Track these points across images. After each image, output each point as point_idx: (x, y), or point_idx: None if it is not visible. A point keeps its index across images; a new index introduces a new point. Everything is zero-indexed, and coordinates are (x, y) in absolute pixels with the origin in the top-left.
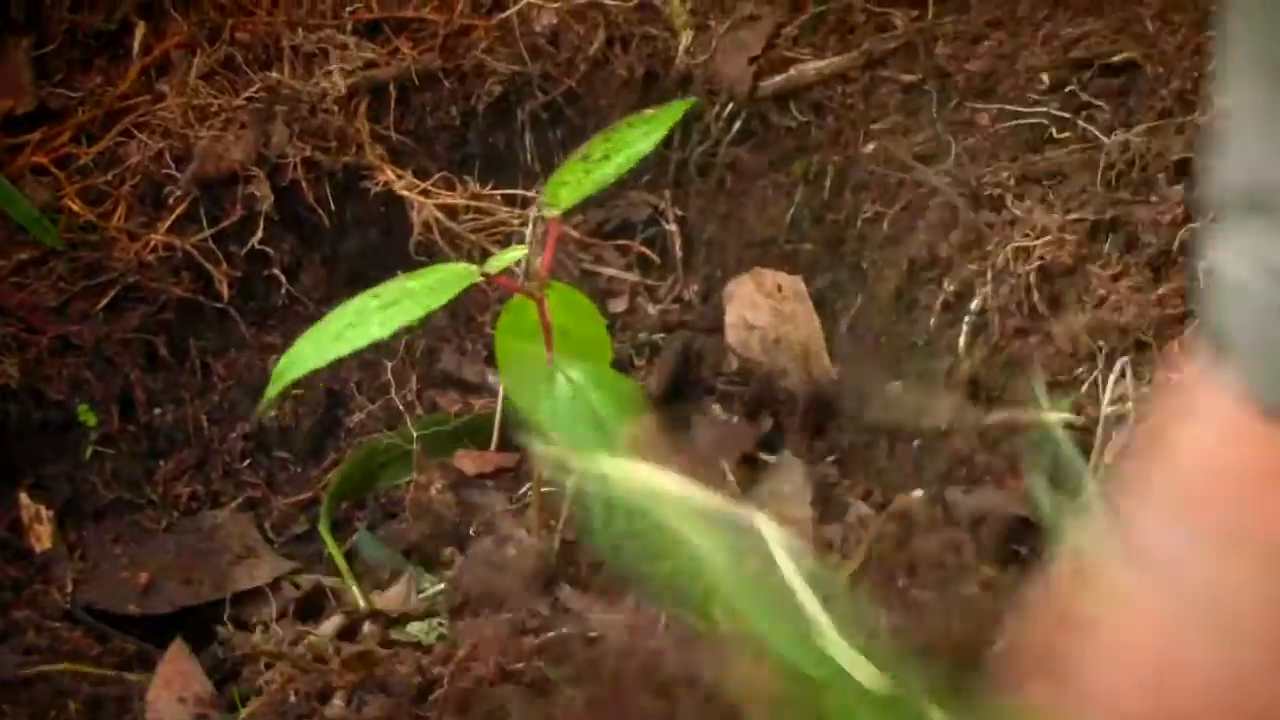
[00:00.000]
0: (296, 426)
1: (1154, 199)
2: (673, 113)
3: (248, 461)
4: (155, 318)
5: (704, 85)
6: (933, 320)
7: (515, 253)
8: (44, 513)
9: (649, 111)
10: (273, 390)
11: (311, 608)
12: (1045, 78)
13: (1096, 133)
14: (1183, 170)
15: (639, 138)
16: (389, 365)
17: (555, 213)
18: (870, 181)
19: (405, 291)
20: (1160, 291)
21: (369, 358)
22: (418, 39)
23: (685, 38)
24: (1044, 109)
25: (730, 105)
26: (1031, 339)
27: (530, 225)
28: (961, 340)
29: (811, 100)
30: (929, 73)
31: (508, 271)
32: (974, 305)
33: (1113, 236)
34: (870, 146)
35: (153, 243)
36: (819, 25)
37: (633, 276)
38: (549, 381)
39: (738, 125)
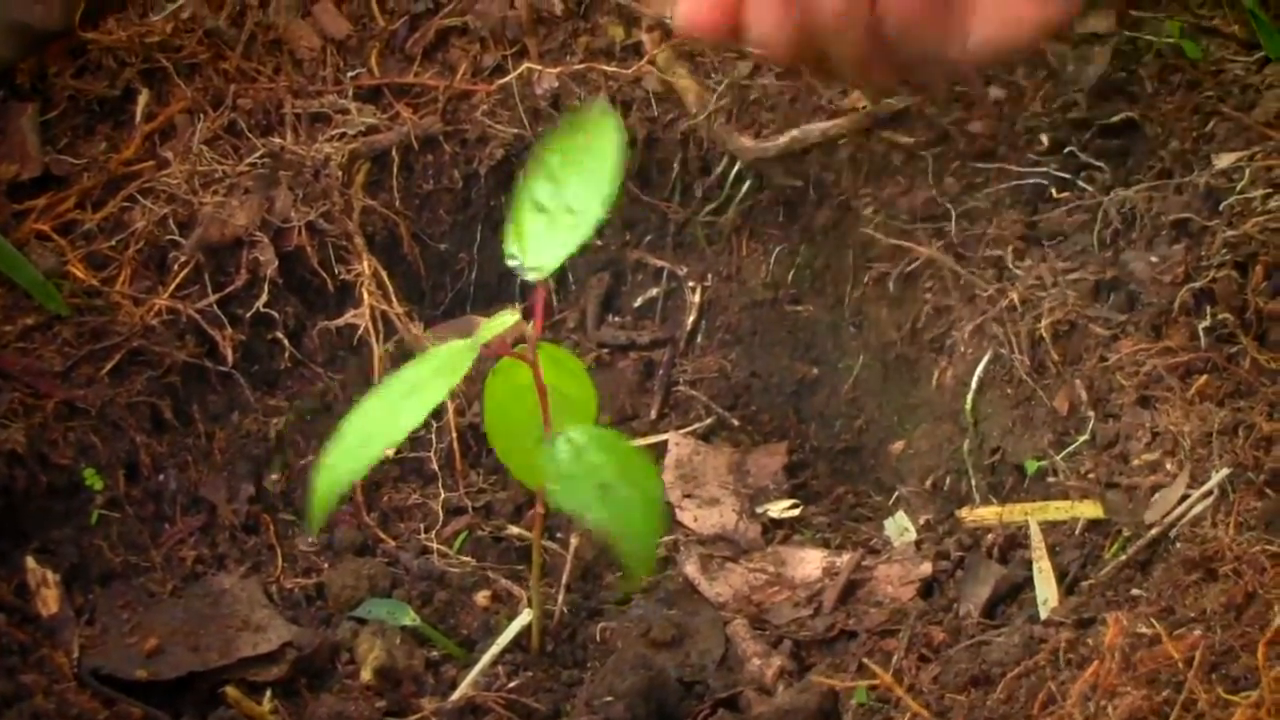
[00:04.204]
0: (301, 488)
1: (1154, 258)
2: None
3: (253, 524)
4: (160, 382)
5: (707, 147)
6: (934, 380)
7: (507, 318)
8: (50, 576)
9: (573, 136)
10: (319, 512)
11: (318, 672)
12: (1044, 138)
13: (1096, 193)
14: (1183, 229)
15: (591, 178)
16: None
17: (540, 276)
18: (872, 242)
19: (413, 383)
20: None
21: None
22: (419, 104)
23: (687, 100)
24: (1044, 169)
25: (734, 166)
26: (1032, 400)
27: None
28: (968, 400)
29: (814, 161)
30: (930, 134)
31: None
32: (978, 366)
33: (1113, 295)
34: (872, 208)
35: (157, 307)
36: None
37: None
38: (549, 445)
39: (742, 186)
